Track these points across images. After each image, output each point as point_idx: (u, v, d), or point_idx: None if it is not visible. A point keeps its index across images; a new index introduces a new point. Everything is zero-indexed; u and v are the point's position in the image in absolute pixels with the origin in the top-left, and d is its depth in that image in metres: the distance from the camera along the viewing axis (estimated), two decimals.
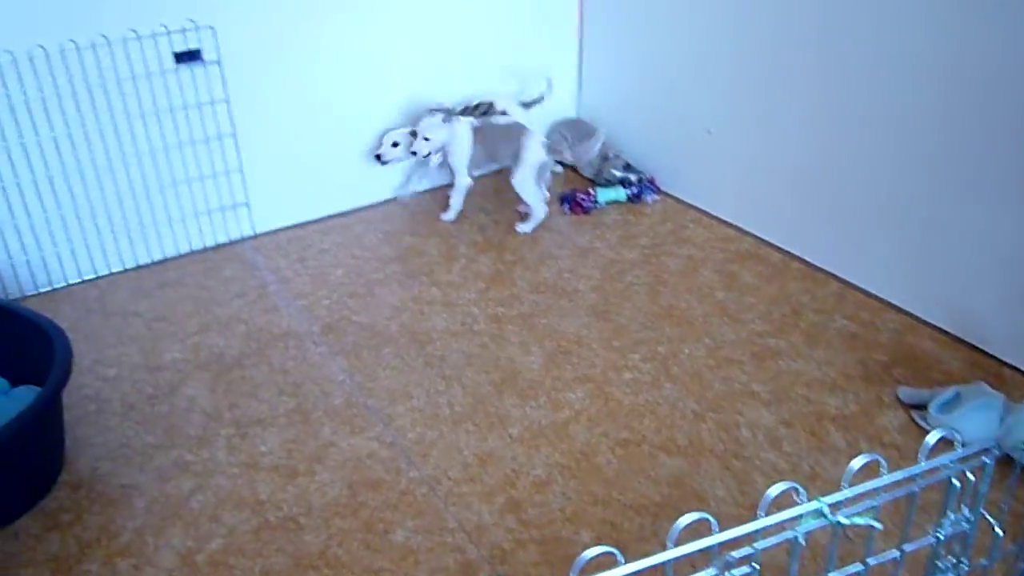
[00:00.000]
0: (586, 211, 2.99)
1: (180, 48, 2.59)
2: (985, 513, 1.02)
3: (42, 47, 2.39)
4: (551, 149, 2.87)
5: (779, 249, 2.77)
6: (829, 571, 0.95)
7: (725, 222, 2.95)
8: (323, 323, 2.47)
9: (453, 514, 1.82)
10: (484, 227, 2.96)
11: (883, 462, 0.93)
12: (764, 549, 0.89)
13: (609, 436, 2.03)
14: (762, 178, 2.76)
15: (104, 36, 2.46)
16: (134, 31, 2.50)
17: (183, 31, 2.57)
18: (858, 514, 0.91)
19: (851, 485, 0.92)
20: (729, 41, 2.71)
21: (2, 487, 1.80)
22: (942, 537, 1.00)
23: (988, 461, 0.96)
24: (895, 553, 1.00)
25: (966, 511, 1.01)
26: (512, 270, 2.71)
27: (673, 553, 0.85)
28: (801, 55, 2.50)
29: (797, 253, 2.72)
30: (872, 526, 0.92)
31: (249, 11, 2.64)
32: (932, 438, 0.94)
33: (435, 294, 2.59)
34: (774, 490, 0.88)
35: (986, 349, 2.27)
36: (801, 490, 0.90)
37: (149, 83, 2.58)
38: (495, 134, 2.89)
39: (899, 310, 2.45)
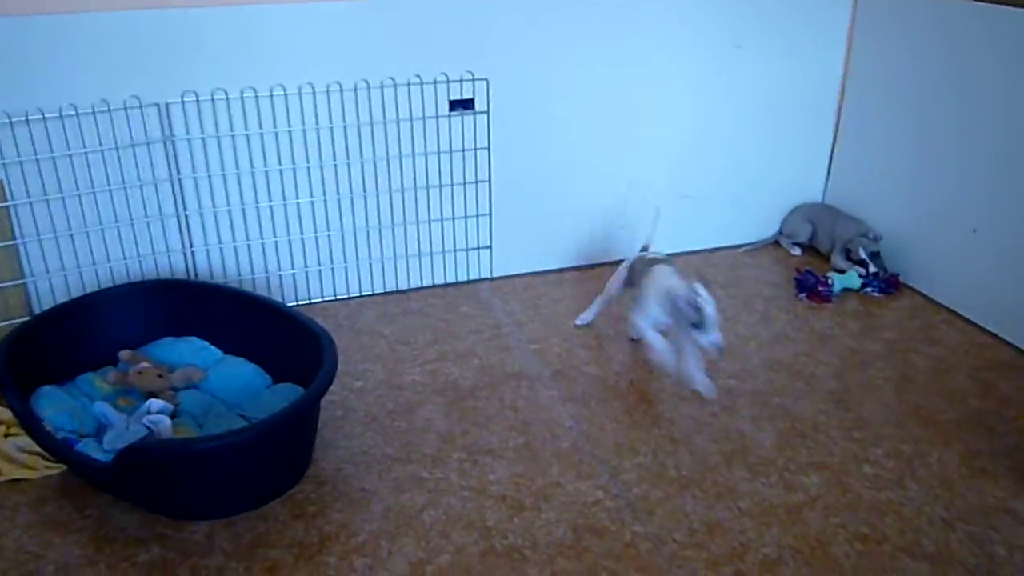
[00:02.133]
0: (825, 299, 2.89)
1: (456, 96, 2.78)
2: None
3: (339, 83, 2.64)
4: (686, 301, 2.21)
5: None
6: None
7: (981, 327, 2.75)
8: (554, 368, 2.51)
9: None
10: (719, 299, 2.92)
11: None
12: None
13: (847, 528, 1.92)
14: (1012, 275, 2.57)
15: (392, 79, 2.69)
16: (418, 76, 2.71)
17: (460, 81, 2.76)
18: None
19: None
20: (999, 133, 2.57)
21: (259, 471, 1.94)
22: None
23: None
24: None
25: None
26: (746, 345, 2.65)
27: None
28: None
29: None
30: None
31: (522, 65, 2.80)
32: None
33: None
34: None
35: None
36: None
37: (423, 126, 2.78)
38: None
39: None
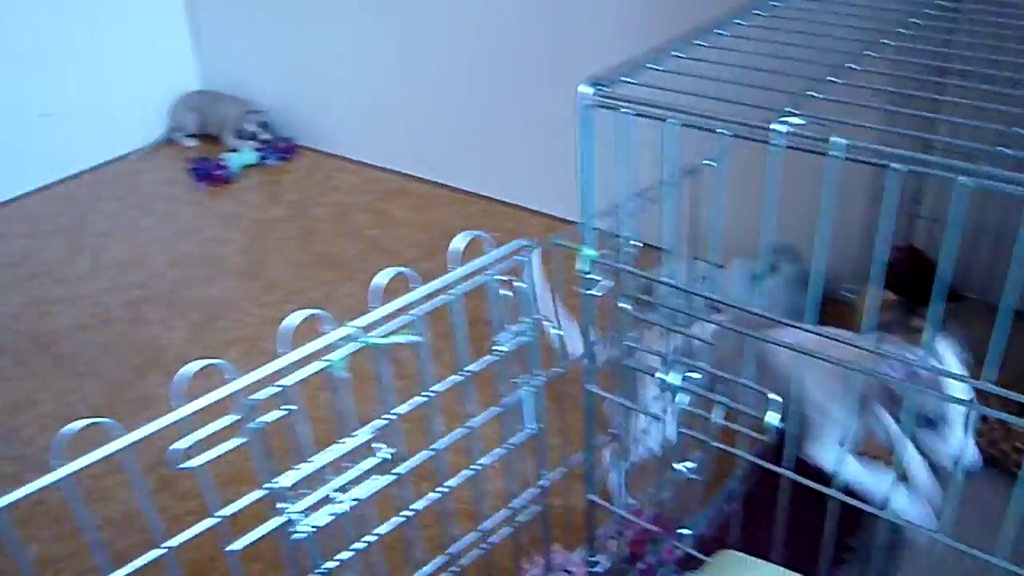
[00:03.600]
0: (226, 181, 2.82)
1: None
2: (546, 319, 1.03)
3: None
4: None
5: (425, 181, 2.78)
6: (386, 398, 0.91)
7: (372, 166, 2.91)
8: None
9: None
10: (112, 214, 2.70)
11: (412, 274, 0.91)
12: (297, 384, 0.83)
13: None
14: (397, 117, 2.76)
15: None
16: None
17: None
18: (395, 332, 0.88)
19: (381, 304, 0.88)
20: None
21: None
22: (505, 349, 1.00)
23: (526, 259, 0.97)
24: (457, 378, 0.98)
25: (527, 320, 1.02)
26: (149, 250, 2.49)
27: (187, 409, 0.76)
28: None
29: (442, 181, 2.75)
30: (412, 342, 0.89)
31: None
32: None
33: (60, 292, 2.31)
34: (294, 318, 0.82)
35: None
36: (325, 315, 0.84)
37: None
38: None
39: (542, 215, 2.54)
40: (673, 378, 0.93)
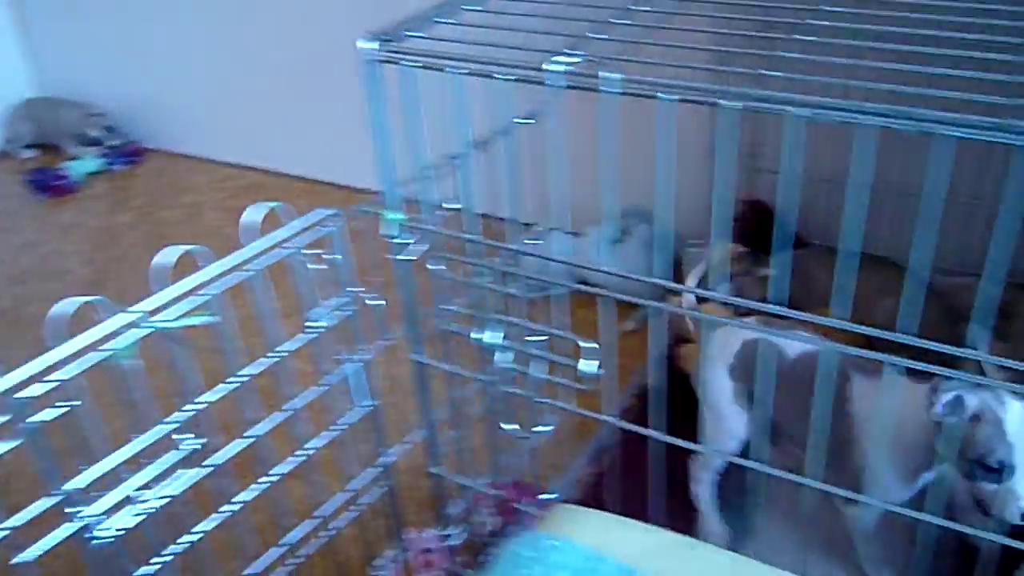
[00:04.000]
0: (69, 191, 2.67)
1: None
2: (366, 294, 1.00)
3: None
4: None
5: (281, 175, 2.70)
6: (188, 386, 0.86)
7: (224, 163, 2.81)
8: None
9: None
10: None
11: (204, 250, 0.86)
12: (75, 377, 0.77)
13: None
14: (237, 109, 2.66)
15: None
16: None
17: None
18: (187, 314, 0.83)
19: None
20: None
21: None
22: (324, 325, 0.96)
23: (332, 228, 0.93)
24: (269, 359, 0.94)
25: (347, 293, 0.98)
26: None
27: None
28: None
29: (296, 173, 2.67)
30: (208, 323, 0.84)
31: None
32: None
33: None
34: (67, 306, 0.76)
35: None
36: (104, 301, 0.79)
37: None
38: None
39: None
40: (490, 337, 0.91)
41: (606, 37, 0.84)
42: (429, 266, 0.93)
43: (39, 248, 2.41)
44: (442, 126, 0.89)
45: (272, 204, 0.89)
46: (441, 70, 0.79)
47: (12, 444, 0.74)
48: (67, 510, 0.78)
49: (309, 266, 0.94)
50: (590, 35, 0.82)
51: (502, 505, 1.29)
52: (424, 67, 0.80)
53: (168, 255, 0.82)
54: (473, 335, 0.92)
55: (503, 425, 0.99)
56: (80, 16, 2.82)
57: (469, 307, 0.97)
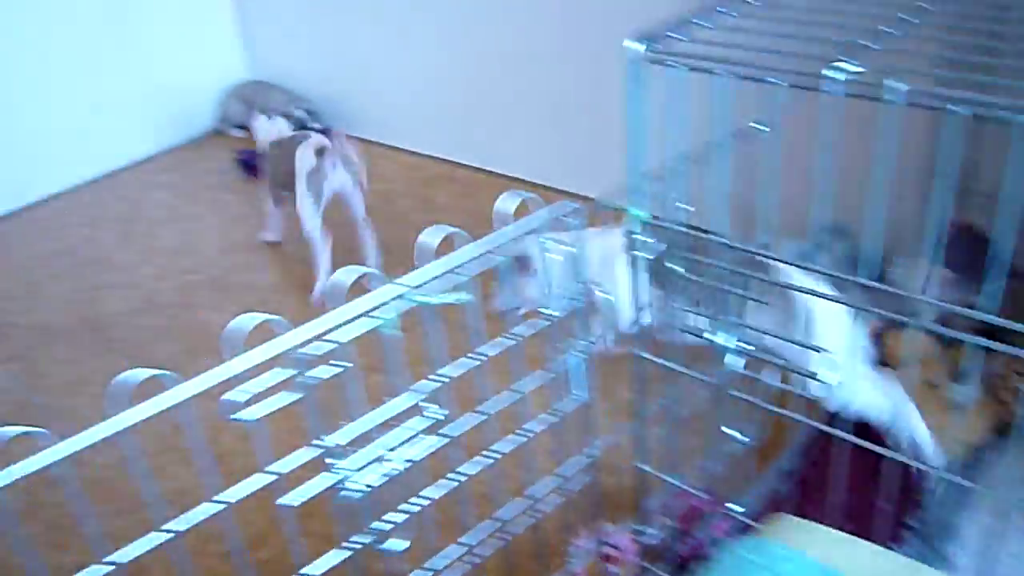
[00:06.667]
0: None
1: None
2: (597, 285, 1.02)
3: None
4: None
5: (468, 167, 2.79)
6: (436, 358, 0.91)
7: (415, 153, 2.93)
8: None
9: None
10: (163, 204, 2.75)
11: (461, 233, 0.91)
12: (349, 342, 0.83)
13: None
14: (439, 104, 2.77)
15: None
16: None
17: None
18: (445, 292, 0.88)
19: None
20: None
21: None
22: (557, 314, 0.99)
23: (575, 221, 0.96)
24: (508, 341, 0.98)
25: (579, 285, 1.01)
26: (200, 239, 2.53)
27: (242, 361, 0.77)
28: None
29: (486, 167, 2.75)
30: (463, 302, 0.88)
31: None
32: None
33: (113, 278, 2.36)
34: (345, 275, 0.82)
35: None
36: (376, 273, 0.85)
37: None
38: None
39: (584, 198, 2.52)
40: (724, 340, 0.91)
41: (876, 47, 0.82)
42: (667, 264, 0.95)
43: (246, 223, 2.59)
44: (675, 128, 0.89)
45: (525, 195, 0.93)
46: (711, 72, 0.81)
47: (294, 397, 0.80)
48: (327, 461, 0.84)
49: (547, 255, 0.97)
50: (861, 42, 0.81)
51: (691, 509, 1.29)
52: (692, 69, 0.82)
53: (432, 234, 0.87)
54: (706, 335, 0.93)
55: (724, 429, 1.00)
56: (294, 3, 3.02)
57: (698, 307, 0.98)
